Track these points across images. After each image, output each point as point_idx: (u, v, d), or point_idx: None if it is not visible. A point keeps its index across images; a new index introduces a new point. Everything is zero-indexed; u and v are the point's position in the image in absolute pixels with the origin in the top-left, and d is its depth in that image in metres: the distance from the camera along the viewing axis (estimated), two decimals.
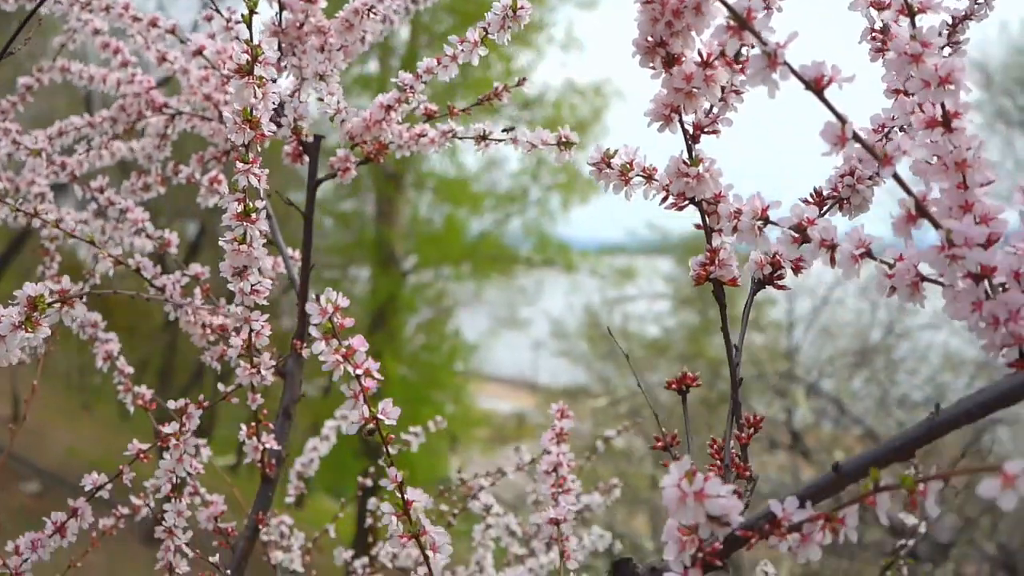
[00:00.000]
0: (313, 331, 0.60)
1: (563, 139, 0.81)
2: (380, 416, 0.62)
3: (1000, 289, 0.51)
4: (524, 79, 0.97)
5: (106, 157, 1.27)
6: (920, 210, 0.50)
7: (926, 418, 0.49)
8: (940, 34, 0.68)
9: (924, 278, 0.53)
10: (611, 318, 9.42)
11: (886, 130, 0.68)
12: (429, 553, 0.63)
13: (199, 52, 1.03)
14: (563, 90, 10.55)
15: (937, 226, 0.50)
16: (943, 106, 0.52)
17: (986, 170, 0.53)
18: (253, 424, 0.94)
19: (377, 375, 0.61)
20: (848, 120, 0.49)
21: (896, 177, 0.50)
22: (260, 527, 0.97)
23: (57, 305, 0.66)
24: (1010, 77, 8.81)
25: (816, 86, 0.50)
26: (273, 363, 0.89)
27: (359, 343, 0.61)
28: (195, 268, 1.03)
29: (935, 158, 0.53)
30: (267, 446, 0.95)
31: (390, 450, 0.62)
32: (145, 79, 1.16)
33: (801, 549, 0.50)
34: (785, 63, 0.49)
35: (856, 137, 0.49)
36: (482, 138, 0.92)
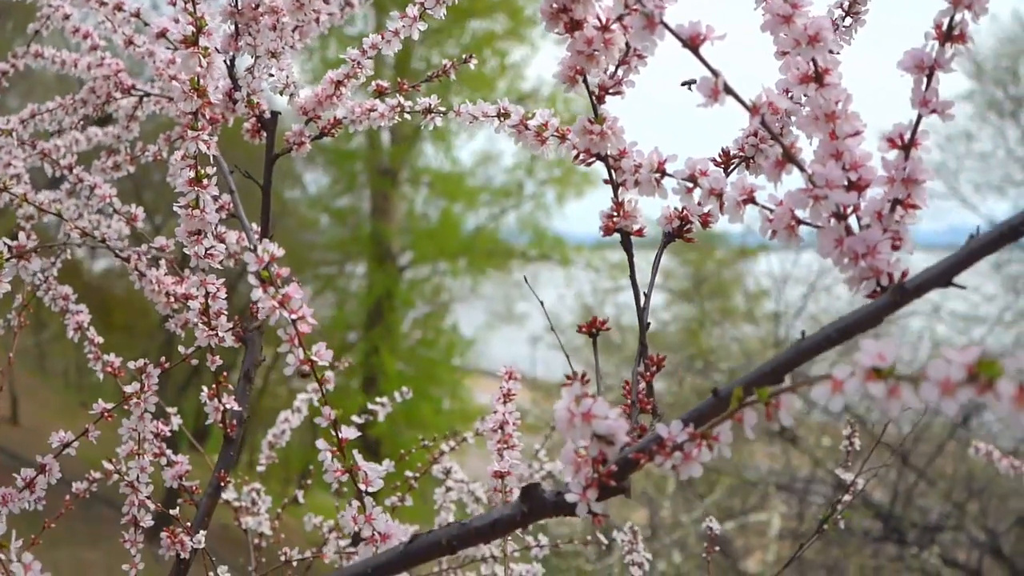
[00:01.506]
0: (251, 279, 0.65)
1: (502, 111, 0.86)
2: (314, 358, 0.67)
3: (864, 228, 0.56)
4: (471, 56, 1.02)
5: (83, 142, 1.31)
6: (788, 156, 0.55)
7: (794, 343, 0.54)
8: (841, 5, 0.73)
9: (800, 221, 0.58)
10: (603, 310, 9.46)
11: (789, 93, 0.73)
12: (362, 486, 0.68)
13: (162, 34, 1.08)
14: (558, 84, 10.59)
15: (803, 170, 0.55)
16: (815, 62, 0.57)
17: (854, 121, 0.58)
18: (214, 386, 0.99)
19: (312, 320, 0.66)
20: (720, 74, 0.54)
21: (766, 126, 0.55)
22: (222, 485, 1.02)
23: (14, 260, 0.71)
24: (1000, 67, 8.85)
25: (692, 44, 0.55)
26: (230, 326, 0.94)
27: (294, 291, 0.66)
28: (160, 240, 1.08)
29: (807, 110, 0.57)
30: (228, 407, 1.00)
31: (324, 389, 0.67)
32: (114, 62, 1.21)
33: (683, 466, 0.55)
34: (662, 23, 0.54)
35: (727, 89, 0.54)
36: (428, 111, 0.97)
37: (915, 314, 7.63)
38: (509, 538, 1.24)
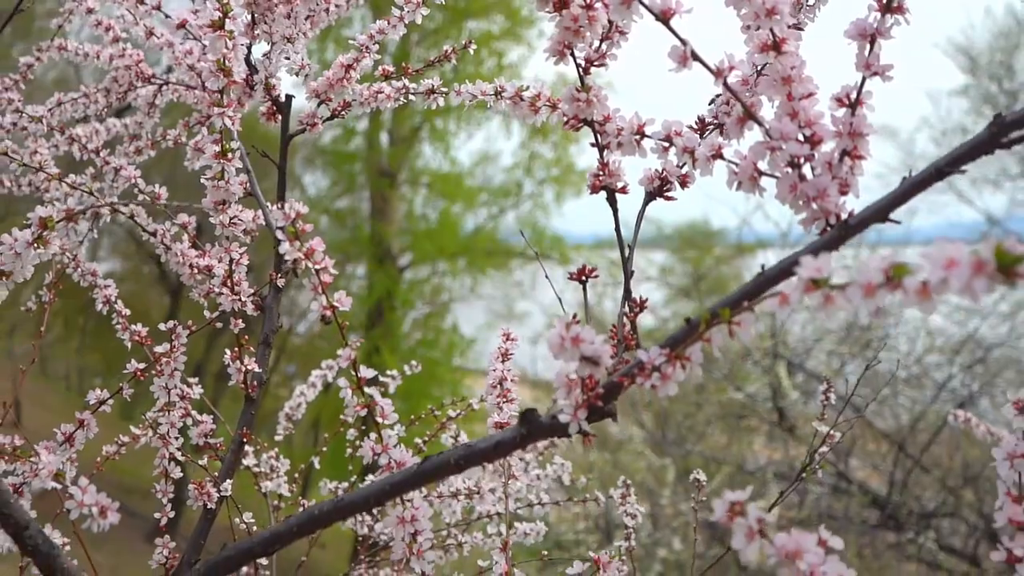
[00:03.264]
0: (279, 234, 0.73)
1: (499, 89, 0.94)
2: (336, 304, 0.75)
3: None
4: (470, 42, 1.10)
5: (102, 132, 1.40)
6: (748, 114, 0.63)
7: (755, 275, 0.62)
8: None
9: (761, 172, 0.67)
10: (603, 305, 9.53)
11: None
12: (379, 419, 0.76)
13: (182, 25, 1.16)
14: (555, 83, 10.68)
15: (761, 125, 0.63)
16: (772, 33, 0.66)
17: (808, 84, 0.66)
18: (236, 349, 1.07)
19: (333, 271, 0.74)
20: (688, 43, 0.63)
21: (728, 88, 0.64)
22: (245, 441, 1.10)
23: (63, 222, 0.79)
24: (995, 62, 8.92)
25: (664, 16, 0.63)
26: (252, 291, 1.02)
27: (317, 244, 0.74)
28: (183, 218, 1.16)
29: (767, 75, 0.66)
30: (249, 368, 1.08)
31: (344, 333, 0.76)
32: (135, 53, 1.29)
33: (661, 385, 0.63)
34: (639, 0, 0.62)
35: (695, 56, 0.63)
36: (431, 92, 1.05)
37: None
38: (512, 497, 1.32)
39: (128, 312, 1.22)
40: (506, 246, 11.72)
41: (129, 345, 1.16)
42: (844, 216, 0.62)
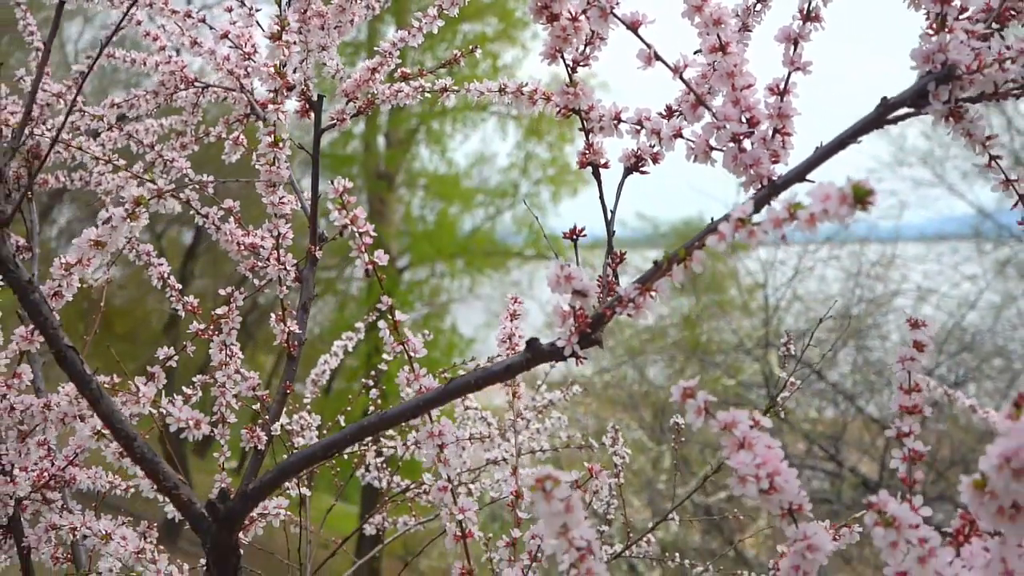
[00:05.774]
0: (330, 204, 0.91)
1: (502, 86, 1.12)
2: (376, 260, 0.93)
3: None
4: (476, 47, 1.29)
5: (151, 131, 1.58)
6: (699, 100, 0.82)
7: (705, 228, 0.80)
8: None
9: (711, 147, 0.85)
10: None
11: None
12: (411, 353, 0.94)
13: (225, 35, 1.34)
14: (550, 83, 10.86)
15: (709, 110, 0.82)
16: (719, 37, 0.84)
17: (748, 78, 0.84)
18: (280, 312, 1.25)
19: (372, 233, 0.92)
20: (653, 46, 0.81)
21: (683, 81, 0.82)
22: (288, 392, 1.28)
23: (155, 200, 0.97)
24: None
25: (633, 26, 0.81)
26: (295, 262, 1.20)
27: (360, 212, 0.93)
28: (228, 203, 1.34)
29: (713, 71, 0.84)
30: (291, 330, 1.26)
31: (382, 284, 0.94)
32: (179, 59, 1.47)
33: (636, 312, 0.81)
34: (612, 13, 0.81)
35: (657, 56, 0.81)
36: (444, 90, 1.24)
37: (904, 295, 7.93)
38: (520, 443, 1.50)
39: (179, 286, 1.40)
40: (503, 246, 11.90)
41: (183, 314, 1.34)
42: (775, 179, 0.80)
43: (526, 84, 1.01)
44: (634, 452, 7.80)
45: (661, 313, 10.30)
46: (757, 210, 0.79)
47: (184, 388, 1.20)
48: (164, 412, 0.88)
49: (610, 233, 0.95)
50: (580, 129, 0.94)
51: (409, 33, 1.21)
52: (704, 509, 5.56)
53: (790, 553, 0.70)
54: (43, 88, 1.56)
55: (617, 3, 0.83)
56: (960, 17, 0.78)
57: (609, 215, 0.96)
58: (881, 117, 0.76)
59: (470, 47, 1.28)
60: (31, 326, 1.07)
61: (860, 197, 0.58)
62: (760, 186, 0.81)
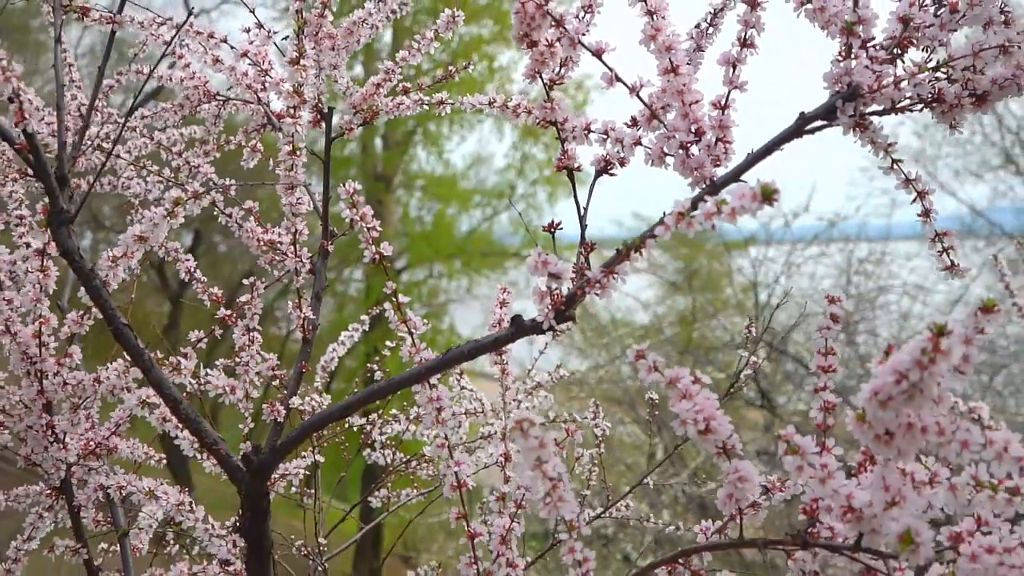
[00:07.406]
0: (342, 203, 1.07)
1: (492, 99, 1.28)
2: (382, 251, 1.09)
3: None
4: (468, 64, 1.45)
5: (176, 140, 1.74)
6: (653, 115, 0.98)
7: (656, 221, 0.96)
8: (706, 19, 1.16)
9: (665, 153, 1.01)
10: (594, 302, 9.87)
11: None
12: (412, 330, 1.10)
13: (244, 54, 1.51)
14: (540, 90, 11.00)
15: (662, 122, 0.98)
16: (671, 61, 1.00)
17: (695, 95, 1.00)
18: (297, 300, 1.41)
19: (378, 228, 1.08)
20: (614, 70, 0.97)
21: (639, 98, 0.98)
22: (304, 372, 1.45)
23: (192, 200, 1.13)
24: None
25: (598, 53, 0.97)
26: (311, 254, 1.36)
27: (368, 210, 1.09)
28: (248, 203, 1.50)
29: (667, 91, 1.00)
30: (307, 315, 1.42)
31: (389, 273, 1.10)
32: (202, 75, 1.64)
33: (603, 292, 0.97)
34: (580, 42, 0.97)
35: (618, 78, 0.97)
36: (441, 103, 1.40)
37: (898, 292, 8.11)
38: (510, 413, 1.66)
39: (205, 279, 1.56)
40: (501, 247, 12.05)
41: (208, 304, 1.50)
42: (716, 180, 0.97)
43: (510, 98, 1.17)
44: (629, 448, 7.97)
45: (657, 312, 10.48)
46: (694, 207, 0.95)
47: (216, 363, 1.36)
48: (204, 379, 1.04)
49: (584, 225, 1.11)
50: (555, 137, 1.10)
51: (409, 52, 1.37)
52: (698, 501, 5.72)
53: (724, 483, 0.86)
54: (73, 97, 1.72)
55: (585, 33, 1.00)
56: (869, 43, 0.95)
57: (582, 211, 1.12)
58: (800, 128, 0.92)
59: (463, 64, 1.44)
60: (80, 311, 1.23)
61: (767, 196, 0.74)
62: (704, 185, 0.97)
